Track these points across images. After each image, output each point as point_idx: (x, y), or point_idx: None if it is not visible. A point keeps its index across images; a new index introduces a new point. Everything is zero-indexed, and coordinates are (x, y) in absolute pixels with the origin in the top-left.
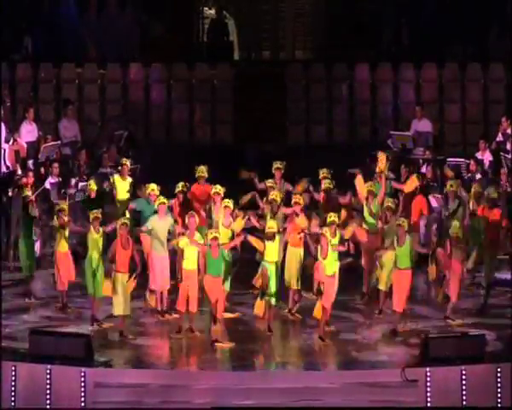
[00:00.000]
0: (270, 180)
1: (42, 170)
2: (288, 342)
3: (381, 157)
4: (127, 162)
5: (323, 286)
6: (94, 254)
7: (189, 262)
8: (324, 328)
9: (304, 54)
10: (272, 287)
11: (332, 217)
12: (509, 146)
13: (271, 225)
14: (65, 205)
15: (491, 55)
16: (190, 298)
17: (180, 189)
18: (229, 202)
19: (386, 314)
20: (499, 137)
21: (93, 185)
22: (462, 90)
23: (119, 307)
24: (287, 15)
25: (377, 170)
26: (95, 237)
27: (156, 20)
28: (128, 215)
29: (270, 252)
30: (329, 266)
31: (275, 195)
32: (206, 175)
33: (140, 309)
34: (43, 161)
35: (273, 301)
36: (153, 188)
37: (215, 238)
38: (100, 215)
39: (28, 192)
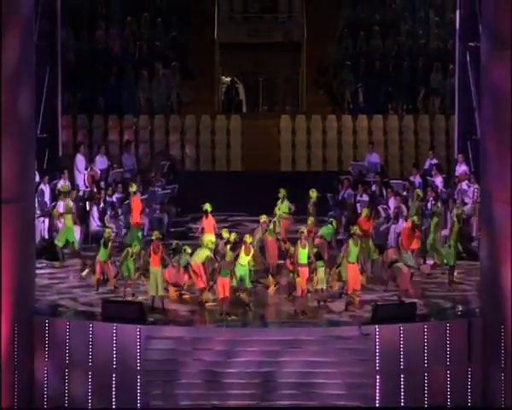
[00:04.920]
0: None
1: (110, 189)
2: (280, 310)
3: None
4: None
5: None
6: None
7: None
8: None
9: (291, 108)
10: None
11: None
12: (433, 172)
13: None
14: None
15: (420, 110)
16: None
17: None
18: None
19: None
20: (426, 166)
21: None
22: (400, 134)
23: (152, 289)
24: (279, 81)
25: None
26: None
27: (188, 86)
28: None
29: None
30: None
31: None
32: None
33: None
34: (111, 182)
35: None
36: None
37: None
38: None
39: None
